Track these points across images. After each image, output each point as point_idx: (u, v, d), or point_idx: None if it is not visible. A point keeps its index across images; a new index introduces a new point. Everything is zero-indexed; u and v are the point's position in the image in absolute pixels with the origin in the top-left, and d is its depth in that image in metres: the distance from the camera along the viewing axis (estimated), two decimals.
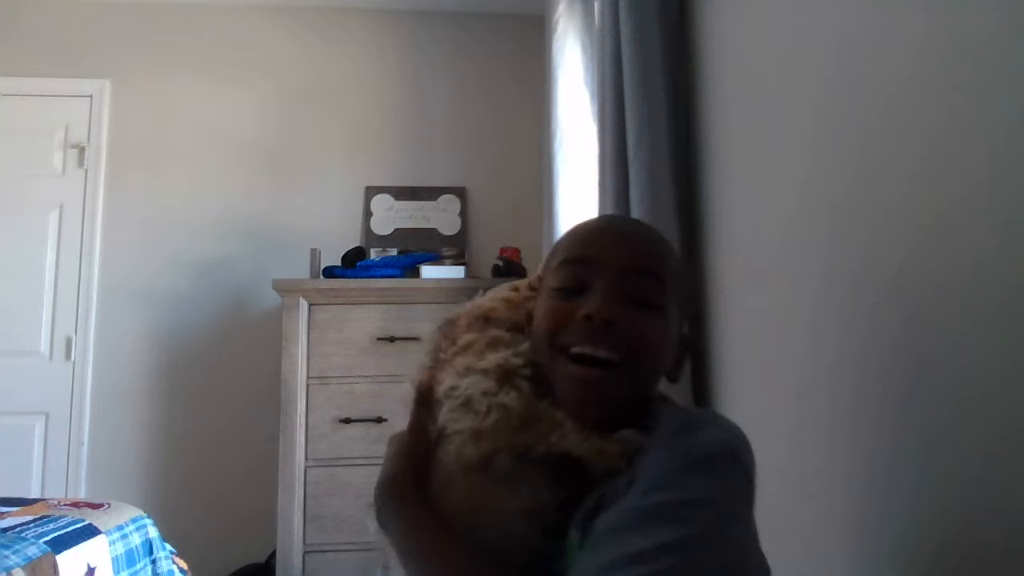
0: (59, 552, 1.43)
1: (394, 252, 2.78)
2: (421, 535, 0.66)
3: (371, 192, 2.89)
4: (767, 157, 1.13)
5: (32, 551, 1.38)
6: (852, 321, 0.87)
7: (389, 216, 2.87)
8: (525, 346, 0.71)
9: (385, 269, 2.51)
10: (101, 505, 1.75)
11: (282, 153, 2.91)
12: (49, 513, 1.63)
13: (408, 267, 2.58)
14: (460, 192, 2.92)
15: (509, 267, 2.50)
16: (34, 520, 1.56)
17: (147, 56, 2.91)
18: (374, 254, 2.76)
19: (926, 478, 0.73)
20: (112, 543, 1.61)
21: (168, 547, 1.83)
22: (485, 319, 0.75)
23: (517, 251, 2.58)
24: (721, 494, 0.58)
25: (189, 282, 2.80)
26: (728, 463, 0.60)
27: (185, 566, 1.86)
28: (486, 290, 0.81)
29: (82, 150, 2.83)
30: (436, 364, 0.74)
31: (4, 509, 1.67)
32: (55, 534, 1.49)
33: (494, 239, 2.79)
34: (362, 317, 2.34)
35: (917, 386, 0.75)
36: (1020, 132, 0.60)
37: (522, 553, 0.64)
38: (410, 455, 0.71)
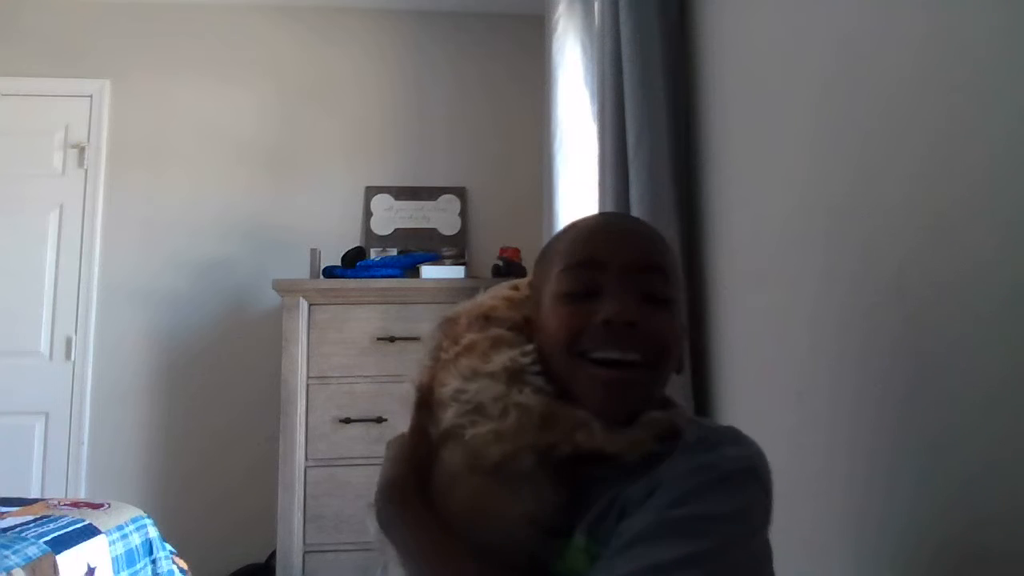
0: (59, 552, 1.43)
1: (394, 252, 2.78)
2: (423, 537, 0.66)
3: (371, 192, 2.89)
4: (767, 157, 1.13)
5: (32, 551, 1.38)
6: (852, 321, 0.87)
7: (389, 216, 2.87)
8: (531, 346, 0.71)
9: (385, 269, 2.51)
10: (101, 505, 1.74)
11: (282, 153, 2.91)
12: (49, 513, 1.63)
13: (408, 267, 2.58)
14: (460, 192, 2.92)
15: (509, 267, 2.50)
16: (34, 520, 1.56)
17: (147, 56, 2.91)
18: (374, 254, 2.76)
19: (926, 478, 0.73)
20: (112, 543, 1.61)
21: (168, 547, 1.83)
22: (486, 318, 0.74)
23: (517, 251, 2.58)
24: (741, 509, 0.60)
25: (189, 282, 2.80)
26: (748, 479, 0.62)
27: (185, 566, 1.86)
28: (484, 289, 0.81)
29: (82, 150, 2.83)
30: (437, 363, 0.73)
31: (4, 509, 1.67)
32: (55, 534, 1.49)
33: (494, 239, 2.79)
34: (362, 317, 2.34)
35: (917, 386, 0.75)
36: (1020, 132, 0.60)
37: (522, 555, 0.64)
38: (411, 457, 0.70)
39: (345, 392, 2.30)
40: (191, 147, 2.88)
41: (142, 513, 1.80)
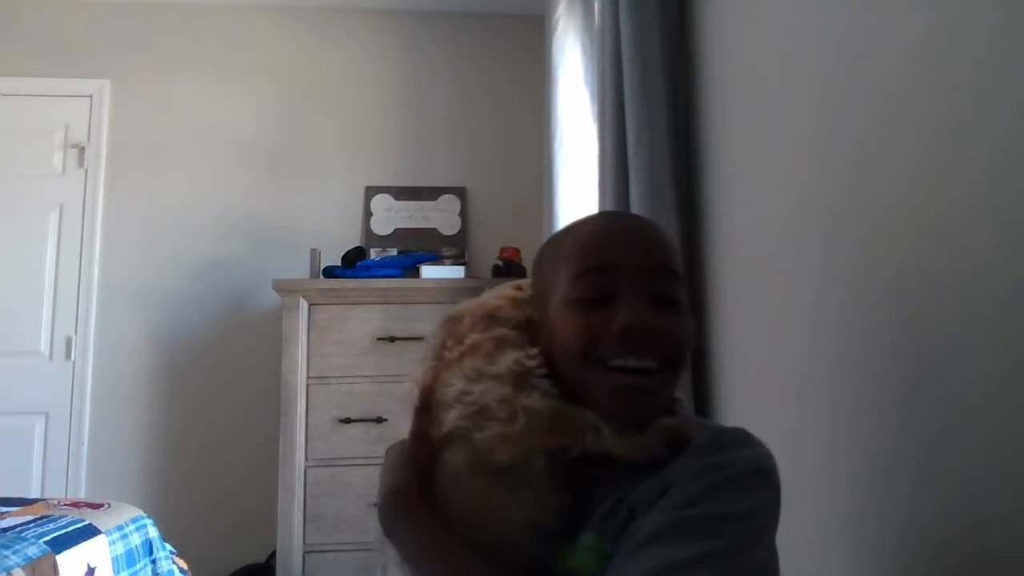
0: (59, 552, 1.43)
1: (394, 252, 2.78)
2: (429, 543, 0.66)
3: (371, 192, 2.89)
4: (767, 157, 1.13)
5: (32, 551, 1.38)
6: (852, 321, 0.87)
7: (389, 216, 2.87)
8: (535, 349, 0.70)
9: (385, 269, 2.51)
10: (101, 505, 1.74)
11: (282, 153, 2.91)
12: (49, 513, 1.63)
13: (408, 267, 2.58)
14: (460, 192, 2.92)
15: (509, 267, 2.50)
16: (34, 520, 1.56)
17: (147, 56, 2.91)
18: (374, 254, 2.76)
19: (926, 479, 0.73)
20: (112, 543, 1.61)
21: (168, 547, 1.83)
22: (490, 317, 0.74)
23: (517, 251, 2.58)
24: (752, 509, 0.60)
25: (189, 282, 2.80)
26: (760, 480, 0.62)
27: (185, 566, 1.86)
28: (488, 288, 0.81)
29: (82, 150, 2.83)
30: (440, 362, 0.73)
31: (4, 509, 1.67)
32: (55, 534, 1.49)
33: (494, 239, 2.79)
34: (362, 317, 2.34)
35: (917, 386, 0.75)
36: (1020, 132, 0.60)
37: (523, 557, 0.64)
38: (413, 462, 0.70)
39: (345, 392, 2.30)
40: (191, 147, 2.88)
41: (142, 513, 1.80)
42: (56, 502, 1.77)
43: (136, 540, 1.70)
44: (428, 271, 2.51)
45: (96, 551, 1.54)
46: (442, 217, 2.89)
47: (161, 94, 2.90)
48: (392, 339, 2.32)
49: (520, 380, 0.67)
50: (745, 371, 1.23)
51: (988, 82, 0.64)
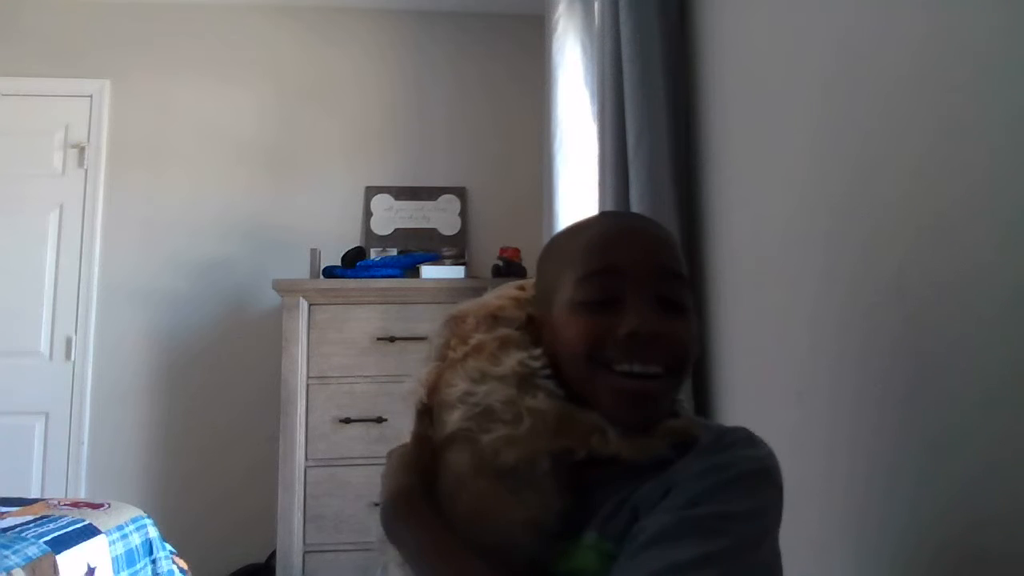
0: (59, 552, 1.43)
1: (394, 252, 2.78)
2: (431, 546, 0.66)
3: (371, 192, 2.89)
4: (767, 157, 1.13)
5: (32, 551, 1.38)
6: (852, 321, 0.87)
7: (389, 216, 2.87)
8: (538, 350, 0.70)
9: (385, 269, 2.51)
10: (101, 505, 1.74)
11: (282, 153, 2.91)
12: (49, 513, 1.63)
13: (408, 267, 2.58)
14: (460, 192, 2.92)
15: (509, 267, 2.50)
16: (34, 520, 1.56)
17: (147, 56, 2.91)
18: (374, 254, 2.76)
19: (926, 478, 0.73)
20: (112, 543, 1.61)
21: (168, 547, 1.83)
22: (494, 317, 0.74)
23: (517, 251, 2.58)
24: (756, 509, 0.60)
25: (189, 282, 2.80)
26: (763, 480, 0.63)
27: (185, 566, 1.86)
28: (491, 288, 0.81)
29: (82, 150, 2.83)
30: (444, 362, 0.73)
31: (4, 509, 1.67)
32: (55, 534, 1.49)
33: (494, 239, 2.79)
34: (362, 317, 2.34)
35: (917, 386, 0.75)
36: (1020, 132, 0.60)
37: (523, 558, 0.64)
38: (415, 464, 0.70)
39: (345, 392, 2.30)
40: (191, 147, 2.88)
41: (142, 513, 1.80)
42: (56, 502, 1.77)
43: (136, 540, 1.70)
44: (428, 271, 2.51)
45: (96, 551, 1.54)
46: (442, 217, 2.89)
47: (161, 94, 2.90)
48: (392, 339, 2.32)
49: (524, 381, 0.67)
50: (745, 371, 1.23)
51: (988, 82, 0.64)
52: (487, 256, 2.76)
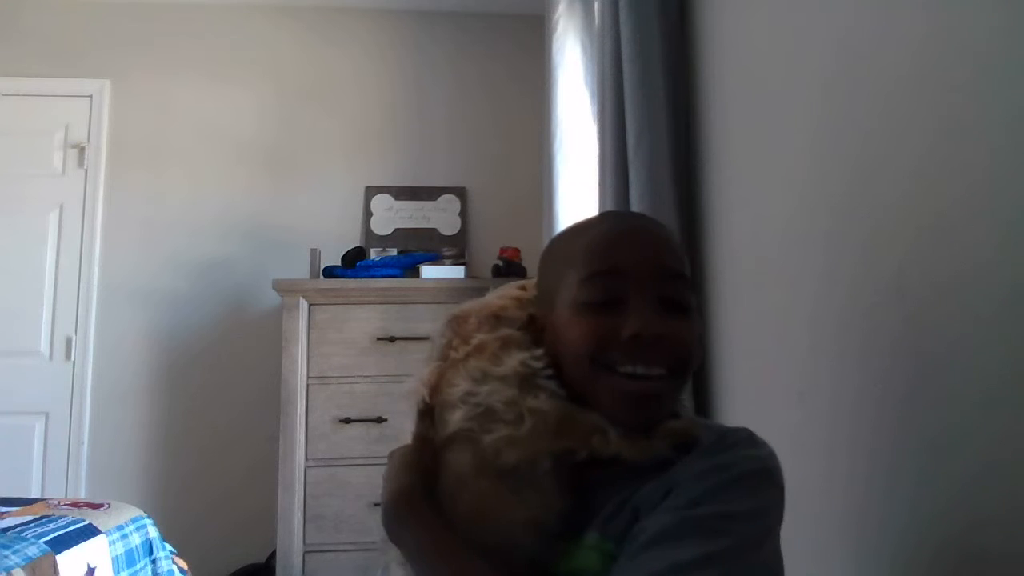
0: (59, 552, 1.43)
1: (394, 252, 2.78)
2: (432, 546, 0.65)
3: (371, 192, 2.89)
4: (767, 157, 1.13)
5: (32, 551, 1.38)
6: (852, 321, 0.87)
7: (389, 216, 2.87)
8: (540, 351, 0.70)
9: (385, 269, 2.51)
10: (101, 505, 1.74)
11: (282, 153, 2.91)
12: (49, 513, 1.63)
13: (408, 267, 2.58)
14: (460, 192, 2.92)
15: (509, 267, 2.50)
16: (34, 520, 1.56)
17: (147, 56, 2.91)
18: (374, 254, 2.76)
19: (926, 478, 0.73)
20: (112, 543, 1.61)
21: (168, 547, 1.83)
22: (496, 318, 0.74)
23: (517, 251, 2.58)
24: (758, 509, 0.60)
25: (189, 282, 2.80)
26: (765, 480, 0.63)
27: (185, 566, 1.86)
28: (493, 289, 0.81)
29: (82, 150, 2.83)
30: (445, 362, 0.73)
31: (4, 509, 1.67)
32: (55, 534, 1.49)
33: (494, 239, 2.79)
34: (362, 317, 2.34)
35: (917, 386, 0.75)
36: (1020, 132, 0.60)
37: (524, 558, 0.64)
38: (416, 465, 0.70)
39: (345, 392, 2.30)
40: (191, 147, 2.88)
41: (142, 513, 1.80)
42: (56, 502, 1.77)
43: (136, 540, 1.70)
44: (428, 271, 2.51)
45: (96, 551, 1.54)
46: (442, 217, 2.89)
47: (161, 94, 2.90)
48: (392, 339, 2.32)
49: (526, 381, 0.67)
50: (745, 371, 1.23)
51: (988, 82, 0.64)
52: (487, 256, 2.76)
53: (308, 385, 2.30)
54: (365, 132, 2.95)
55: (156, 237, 2.82)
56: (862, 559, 0.85)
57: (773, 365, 1.11)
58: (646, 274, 0.67)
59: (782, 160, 1.08)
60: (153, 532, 1.78)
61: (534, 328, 0.73)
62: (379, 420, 2.28)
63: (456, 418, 0.67)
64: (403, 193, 2.90)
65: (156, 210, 2.83)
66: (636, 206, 1.37)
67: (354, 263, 2.53)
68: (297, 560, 2.22)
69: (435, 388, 0.71)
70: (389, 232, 2.85)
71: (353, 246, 2.64)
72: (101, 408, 2.72)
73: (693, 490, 0.60)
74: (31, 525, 1.52)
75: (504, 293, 0.78)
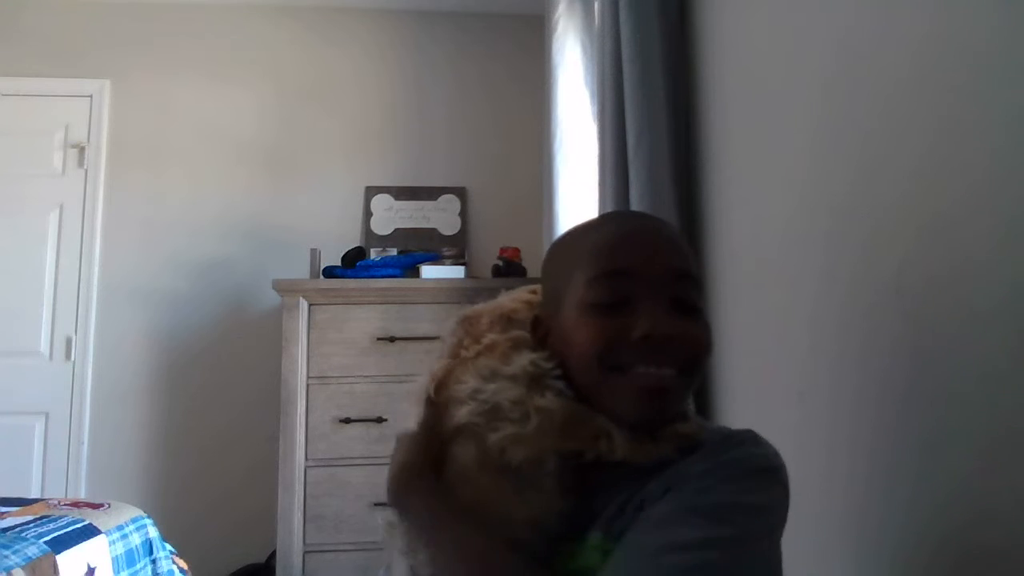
0: (59, 552, 1.43)
1: (394, 252, 2.78)
2: (439, 518, 0.66)
3: (371, 192, 2.89)
4: (767, 157, 1.13)
5: (32, 551, 1.38)
6: (852, 321, 0.88)
7: (389, 216, 2.87)
8: (547, 353, 0.70)
9: (385, 269, 2.51)
10: (101, 505, 1.75)
11: (282, 153, 2.91)
12: (49, 513, 1.63)
13: (408, 267, 2.58)
14: (460, 192, 2.92)
15: (509, 267, 2.50)
16: (34, 520, 1.56)
17: (147, 56, 2.91)
18: (374, 254, 2.76)
19: (926, 476, 0.73)
20: (112, 543, 1.61)
21: (168, 547, 1.83)
22: (508, 319, 0.74)
23: (517, 251, 2.58)
24: (763, 504, 0.61)
25: (189, 282, 2.80)
26: (771, 477, 0.63)
27: (185, 566, 1.86)
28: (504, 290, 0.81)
29: (82, 150, 2.83)
30: (455, 359, 0.73)
31: (4, 509, 1.67)
32: (55, 534, 1.49)
33: (494, 239, 2.79)
34: (362, 317, 2.34)
35: (916, 385, 0.75)
36: (1019, 132, 0.60)
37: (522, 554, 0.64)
38: (424, 446, 0.70)
39: (345, 392, 2.30)
40: (191, 147, 2.88)
41: (142, 513, 1.80)
42: (56, 502, 1.77)
43: (136, 540, 1.70)
44: (428, 271, 2.51)
45: (96, 551, 1.55)
46: (442, 217, 2.89)
47: (161, 94, 2.90)
48: (392, 339, 2.32)
49: (535, 381, 0.67)
50: (746, 371, 1.23)
51: (988, 82, 0.65)
52: (487, 256, 2.76)
53: (308, 385, 2.30)
54: (365, 132, 2.95)
55: (156, 237, 2.82)
56: (862, 559, 0.85)
57: (773, 365, 1.11)
58: (655, 274, 0.67)
59: (782, 160, 1.08)
60: (153, 532, 1.78)
61: (538, 331, 0.73)
62: (379, 420, 2.28)
63: (463, 413, 0.68)
64: (403, 193, 2.90)
65: (156, 210, 2.83)
66: (636, 206, 1.37)
67: (354, 263, 2.53)
68: (297, 560, 2.22)
69: (442, 383, 0.72)
70: (389, 232, 2.85)
71: (353, 246, 2.64)
72: (101, 408, 2.72)
73: (699, 482, 0.60)
74: (31, 525, 1.52)
75: (516, 296, 0.78)
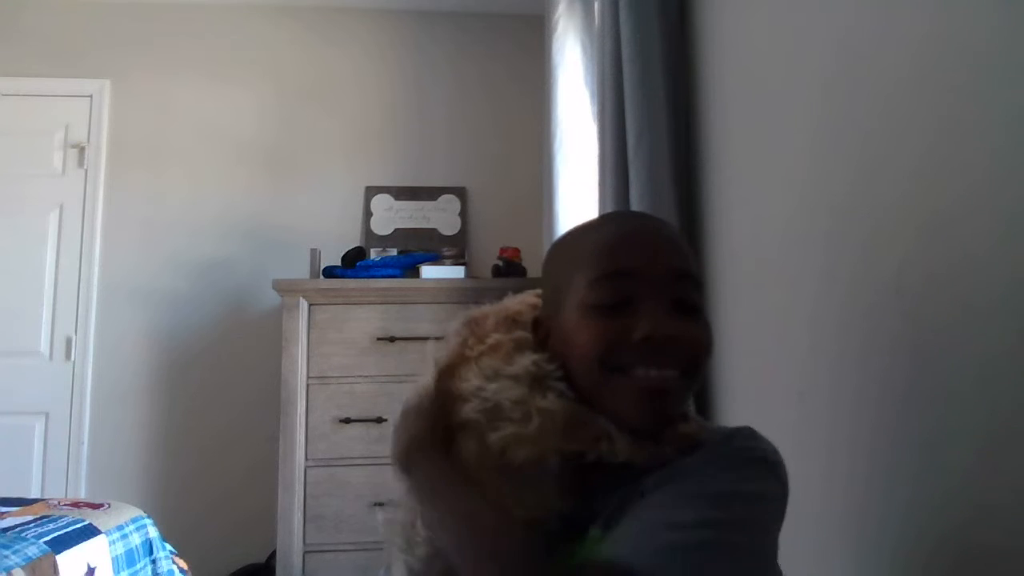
0: (59, 552, 1.43)
1: (394, 252, 2.78)
2: (447, 489, 0.67)
3: (371, 192, 2.89)
4: (767, 157, 1.13)
5: (32, 551, 1.38)
6: (852, 321, 0.88)
7: (389, 216, 2.87)
8: (547, 354, 0.70)
9: (385, 269, 2.51)
10: (101, 505, 1.75)
11: (282, 153, 2.91)
12: (49, 513, 1.63)
13: (408, 267, 2.58)
14: (460, 192, 2.92)
15: (509, 267, 2.50)
16: (34, 520, 1.56)
17: (147, 56, 2.91)
18: (374, 254, 2.76)
19: (925, 475, 0.73)
20: (112, 543, 1.61)
21: (168, 547, 1.83)
22: (513, 320, 0.75)
23: (517, 251, 2.58)
24: (761, 494, 0.61)
25: (189, 282, 2.80)
26: (769, 471, 0.63)
27: (185, 566, 1.86)
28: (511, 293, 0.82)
29: (82, 150, 2.83)
30: (460, 359, 0.74)
31: (4, 509, 1.67)
32: (55, 534, 1.49)
33: (494, 239, 2.79)
34: (362, 317, 2.34)
35: (916, 385, 0.75)
36: (1018, 132, 0.60)
37: None
38: (434, 417, 0.71)
39: (345, 392, 2.30)
40: (191, 147, 2.88)
41: (142, 513, 1.80)
42: (56, 502, 1.77)
43: (136, 540, 1.70)
44: (428, 271, 2.51)
45: (96, 551, 1.55)
46: (442, 217, 2.89)
47: (161, 94, 2.90)
48: (392, 339, 2.32)
49: (537, 382, 0.68)
50: (746, 371, 1.23)
51: (988, 82, 0.65)
52: (487, 256, 2.76)
53: (308, 385, 2.30)
54: (365, 132, 2.95)
55: (156, 237, 2.82)
56: (862, 559, 0.85)
57: (773, 365, 1.11)
58: (656, 275, 0.67)
59: (782, 160, 1.08)
60: (153, 532, 1.78)
61: (539, 332, 0.73)
62: (379, 420, 2.27)
63: (465, 409, 0.69)
64: (403, 193, 2.90)
65: (156, 210, 2.83)
66: (636, 206, 1.37)
67: (354, 263, 2.53)
68: (297, 560, 2.22)
69: (446, 371, 0.73)
70: (389, 232, 2.85)
71: (353, 246, 2.64)
72: (101, 408, 2.72)
73: (699, 472, 0.61)
74: (31, 525, 1.52)
75: (522, 299, 0.79)
